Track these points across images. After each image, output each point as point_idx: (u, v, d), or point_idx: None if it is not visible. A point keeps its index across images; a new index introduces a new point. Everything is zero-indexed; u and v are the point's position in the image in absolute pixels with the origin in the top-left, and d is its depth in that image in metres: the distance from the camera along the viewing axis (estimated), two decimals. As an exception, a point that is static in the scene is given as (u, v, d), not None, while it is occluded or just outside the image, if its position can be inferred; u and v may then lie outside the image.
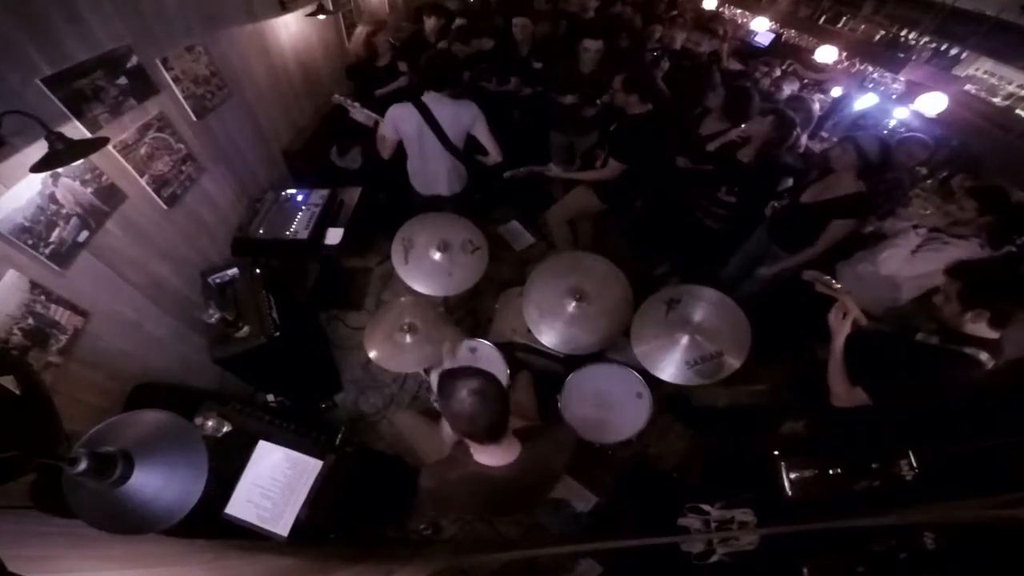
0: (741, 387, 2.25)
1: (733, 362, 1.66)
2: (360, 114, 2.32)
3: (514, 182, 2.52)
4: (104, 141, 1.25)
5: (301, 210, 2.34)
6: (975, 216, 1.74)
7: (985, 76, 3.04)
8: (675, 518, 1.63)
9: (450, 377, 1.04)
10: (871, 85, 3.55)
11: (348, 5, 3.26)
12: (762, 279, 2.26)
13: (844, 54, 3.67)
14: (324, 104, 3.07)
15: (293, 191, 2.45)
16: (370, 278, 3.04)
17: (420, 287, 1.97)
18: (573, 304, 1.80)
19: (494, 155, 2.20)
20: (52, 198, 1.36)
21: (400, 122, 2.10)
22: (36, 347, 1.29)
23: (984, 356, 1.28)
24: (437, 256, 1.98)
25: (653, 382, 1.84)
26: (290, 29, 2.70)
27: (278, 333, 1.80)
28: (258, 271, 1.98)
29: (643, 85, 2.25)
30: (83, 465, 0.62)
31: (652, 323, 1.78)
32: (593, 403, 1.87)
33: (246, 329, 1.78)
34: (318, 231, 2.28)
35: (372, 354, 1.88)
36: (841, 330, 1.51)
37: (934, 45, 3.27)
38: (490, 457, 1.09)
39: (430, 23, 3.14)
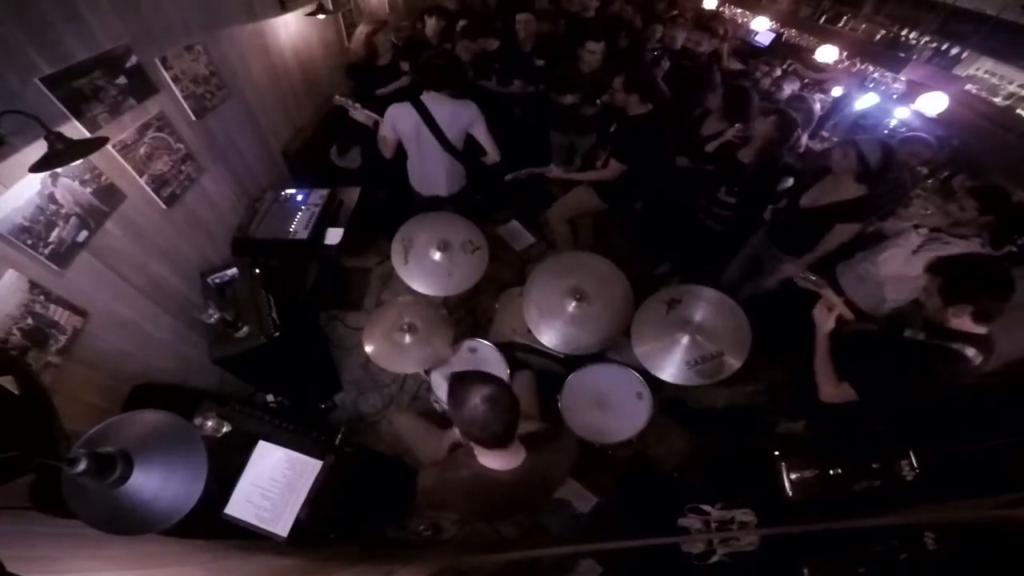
0: (740, 387, 2.25)
1: (733, 362, 1.66)
2: (360, 114, 2.32)
3: (514, 183, 2.52)
4: (103, 141, 1.25)
5: (301, 210, 2.34)
6: (976, 216, 1.74)
7: (986, 76, 3.03)
8: (675, 518, 1.63)
9: (461, 382, 1.03)
10: (872, 85, 3.55)
11: (348, 5, 3.25)
12: (765, 286, 2.25)
13: (845, 54, 3.66)
14: (324, 104, 3.07)
15: (293, 191, 2.45)
16: (370, 278, 3.04)
17: (420, 287, 1.97)
18: (573, 304, 1.80)
19: (492, 155, 2.20)
20: (51, 198, 1.36)
21: (398, 121, 2.10)
22: (35, 347, 1.29)
23: (971, 352, 1.27)
24: (437, 256, 1.98)
25: (652, 383, 1.84)
26: (290, 29, 2.70)
27: (278, 333, 1.80)
28: (257, 271, 1.98)
29: (643, 85, 2.25)
30: (82, 465, 0.62)
31: (652, 323, 1.77)
32: (593, 403, 1.87)
33: (245, 329, 1.78)
34: (318, 231, 2.27)
35: (371, 354, 1.88)
36: (826, 325, 1.51)
37: (935, 45, 3.27)
38: (495, 461, 1.09)
39: (431, 24, 3.14)
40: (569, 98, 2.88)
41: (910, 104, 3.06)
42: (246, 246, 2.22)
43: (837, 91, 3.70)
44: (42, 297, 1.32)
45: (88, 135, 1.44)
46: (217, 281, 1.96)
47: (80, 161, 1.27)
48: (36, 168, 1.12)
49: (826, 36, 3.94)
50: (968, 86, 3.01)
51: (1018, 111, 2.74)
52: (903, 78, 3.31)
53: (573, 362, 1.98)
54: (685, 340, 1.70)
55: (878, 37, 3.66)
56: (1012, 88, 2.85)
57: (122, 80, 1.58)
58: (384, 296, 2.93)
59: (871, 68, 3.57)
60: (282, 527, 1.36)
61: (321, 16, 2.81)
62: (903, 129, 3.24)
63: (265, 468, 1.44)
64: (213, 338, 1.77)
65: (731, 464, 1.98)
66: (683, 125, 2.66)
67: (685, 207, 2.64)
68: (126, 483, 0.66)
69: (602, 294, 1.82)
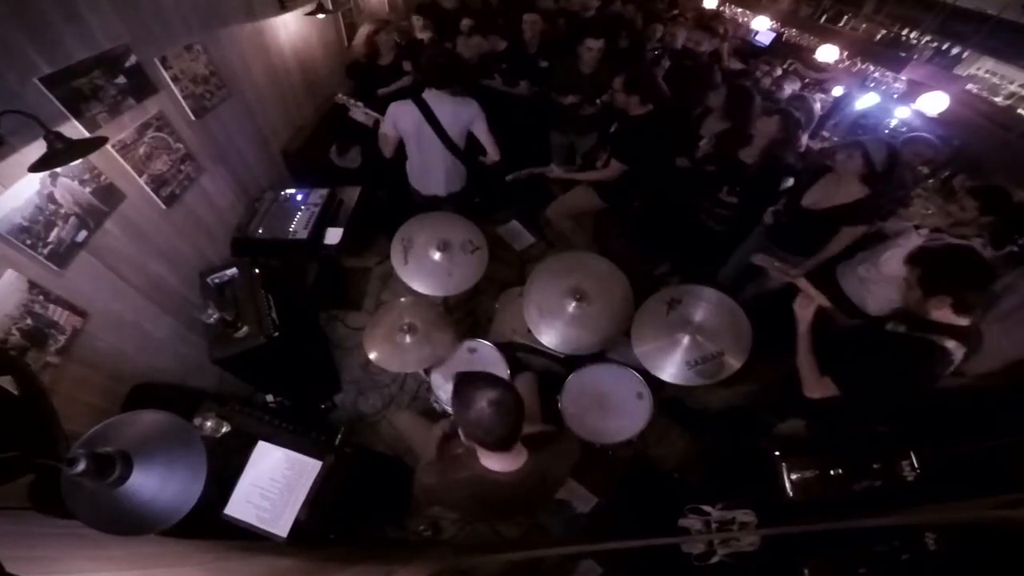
0: (738, 387, 2.24)
1: (734, 362, 1.66)
2: (360, 113, 2.31)
3: (515, 183, 2.52)
4: (103, 141, 1.25)
5: (300, 210, 2.33)
6: (976, 216, 1.73)
7: (987, 75, 3.04)
8: (676, 519, 1.63)
9: (468, 384, 1.02)
10: (872, 84, 3.55)
11: (347, 4, 3.25)
12: (769, 286, 2.25)
13: (845, 53, 3.66)
14: (323, 103, 3.06)
15: (292, 191, 2.44)
16: (369, 278, 3.03)
17: (420, 287, 1.97)
18: (573, 304, 1.80)
19: (492, 154, 2.20)
20: (51, 198, 1.36)
21: (399, 119, 2.09)
22: (34, 347, 1.29)
23: (951, 344, 1.26)
24: (437, 256, 1.97)
25: (653, 383, 1.84)
26: (289, 28, 2.69)
27: (277, 333, 1.80)
28: (257, 271, 1.98)
29: (644, 86, 2.24)
30: (82, 466, 0.61)
31: (652, 323, 1.77)
32: (593, 403, 1.86)
33: (245, 329, 1.77)
34: (317, 231, 2.27)
35: (372, 354, 1.88)
36: (806, 317, 1.51)
37: (935, 44, 3.27)
38: (497, 463, 1.09)
39: (418, 24, 3.11)
40: (570, 98, 2.88)
41: (911, 104, 3.07)
42: (246, 246, 2.21)
43: (838, 91, 3.70)
44: (41, 297, 1.32)
45: (87, 135, 1.44)
46: (217, 281, 1.96)
47: (79, 161, 1.27)
48: (35, 168, 1.12)
49: (827, 36, 3.94)
50: (969, 86, 3.02)
51: (1019, 111, 2.75)
52: (904, 78, 3.32)
53: (573, 362, 1.97)
54: (685, 340, 1.69)
55: (879, 37, 3.67)
56: (1013, 88, 2.86)
57: (121, 80, 1.58)
58: (384, 296, 2.93)
59: (872, 68, 3.58)
60: (282, 527, 1.36)
61: (321, 16, 2.81)
62: (903, 129, 3.25)
63: (265, 468, 1.44)
64: (213, 338, 1.77)
65: (731, 464, 1.98)
66: (684, 125, 2.66)
67: (686, 207, 2.63)
68: (125, 483, 0.66)
69: (602, 294, 1.82)
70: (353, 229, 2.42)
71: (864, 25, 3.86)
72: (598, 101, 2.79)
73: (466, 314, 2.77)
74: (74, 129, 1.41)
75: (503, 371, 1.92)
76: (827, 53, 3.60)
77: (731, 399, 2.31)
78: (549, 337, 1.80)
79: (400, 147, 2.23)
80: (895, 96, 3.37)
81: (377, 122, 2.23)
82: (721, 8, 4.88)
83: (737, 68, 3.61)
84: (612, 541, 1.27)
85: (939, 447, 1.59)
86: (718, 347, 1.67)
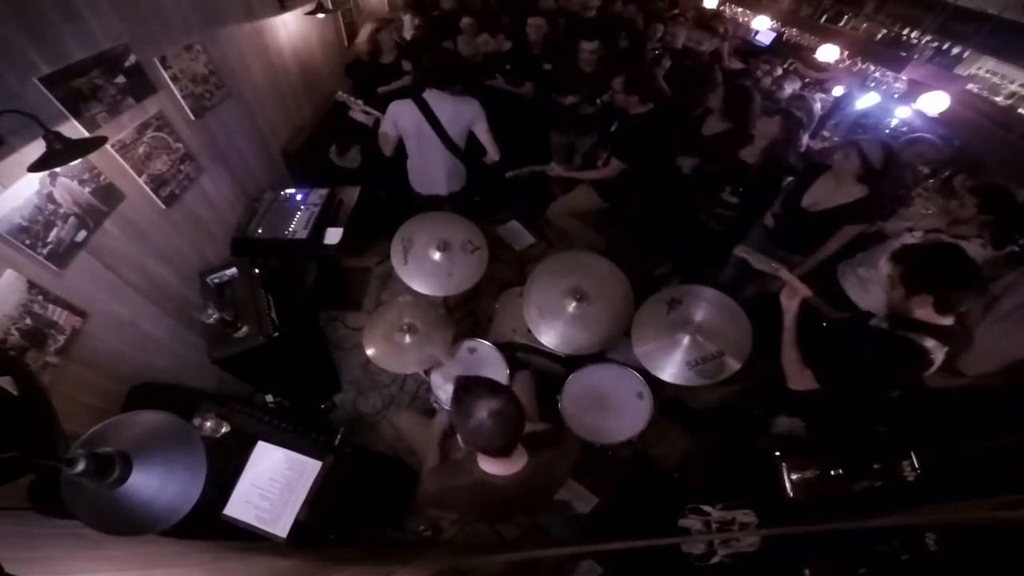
0: (734, 384, 2.24)
1: (734, 362, 1.66)
2: (360, 112, 2.31)
3: (514, 182, 2.51)
4: (102, 140, 1.25)
5: (300, 210, 2.33)
6: (975, 213, 1.73)
7: (987, 75, 3.03)
8: (676, 519, 1.63)
9: (468, 393, 1.01)
10: (873, 84, 3.55)
11: (347, 3, 3.24)
12: (765, 285, 2.25)
13: (846, 53, 3.66)
14: (323, 103, 3.06)
15: (292, 190, 2.44)
16: (369, 278, 3.03)
17: (420, 287, 1.97)
18: (573, 304, 1.80)
19: (492, 154, 2.20)
20: (50, 198, 1.36)
21: (399, 118, 2.09)
22: (34, 347, 1.29)
23: (930, 343, 1.25)
24: (437, 256, 1.97)
25: (653, 383, 1.84)
26: (289, 28, 2.69)
27: (277, 333, 1.80)
28: (257, 271, 1.98)
29: (643, 86, 2.24)
30: (81, 466, 0.61)
31: (653, 323, 1.77)
32: (593, 403, 1.86)
33: (245, 329, 1.77)
34: (317, 231, 2.27)
35: (371, 354, 1.87)
36: (792, 307, 1.50)
37: (936, 44, 3.27)
38: (497, 467, 1.09)
39: (410, 23, 3.10)
40: (570, 98, 2.87)
41: (911, 103, 3.06)
42: (245, 246, 2.21)
43: (838, 90, 3.70)
44: (40, 297, 1.32)
45: (87, 135, 1.44)
46: (216, 281, 1.96)
47: (79, 161, 1.27)
48: (35, 168, 1.12)
49: (827, 35, 3.94)
50: (969, 85, 3.01)
51: (1020, 110, 2.74)
52: (904, 77, 3.32)
53: (573, 362, 1.97)
54: (686, 340, 1.69)
55: (879, 36, 3.66)
56: (1014, 87, 2.85)
57: (121, 79, 1.57)
58: (384, 296, 2.92)
59: (872, 67, 3.57)
60: (281, 528, 1.36)
61: (320, 15, 2.81)
62: (904, 129, 3.24)
63: (264, 468, 1.43)
64: (212, 338, 1.77)
65: (732, 464, 1.97)
66: (684, 124, 2.66)
67: (686, 207, 2.63)
68: (125, 484, 0.66)
69: (602, 294, 1.82)
70: (353, 229, 2.42)
71: (864, 25, 3.86)
72: (598, 101, 2.79)
73: (466, 314, 2.76)
74: (73, 129, 1.41)
75: (503, 371, 1.92)
76: (827, 53, 3.59)
77: (726, 396, 2.31)
78: (549, 337, 1.80)
79: (400, 146, 2.23)
80: (896, 96, 3.36)
81: (377, 121, 2.23)
82: (721, 8, 4.87)
83: (737, 68, 3.61)
84: (612, 541, 1.27)
85: (939, 447, 1.59)
86: (718, 347, 1.67)
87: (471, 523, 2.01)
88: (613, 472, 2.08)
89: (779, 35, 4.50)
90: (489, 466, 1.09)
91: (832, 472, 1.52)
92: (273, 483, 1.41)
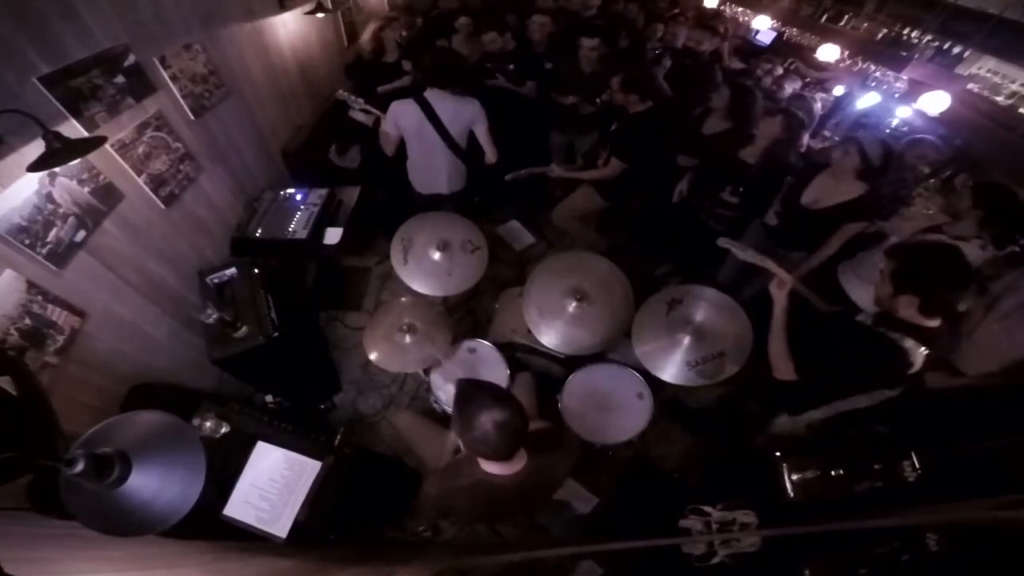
0: (736, 385, 2.24)
1: (734, 362, 1.65)
2: (360, 112, 2.30)
3: (515, 182, 2.51)
4: (102, 140, 1.24)
5: (300, 209, 2.33)
6: (969, 206, 1.71)
7: (988, 75, 3.03)
8: (676, 519, 1.63)
9: (469, 403, 1.01)
10: (873, 84, 3.54)
11: (347, 3, 3.24)
12: (765, 285, 2.24)
13: (846, 52, 3.66)
14: (323, 103, 3.06)
15: (292, 190, 2.44)
16: (369, 278, 3.03)
17: (419, 287, 1.97)
18: (573, 304, 1.79)
19: (490, 156, 2.20)
20: (49, 198, 1.35)
21: (400, 118, 2.09)
22: (33, 348, 1.29)
23: (909, 344, 1.23)
24: (437, 256, 1.97)
25: (653, 384, 1.84)
26: (288, 27, 2.69)
27: (277, 333, 1.79)
28: (256, 271, 1.97)
29: (642, 85, 2.24)
30: (80, 466, 0.61)
31: (653, 323, 1.77)
32: (594, 404, 1.86)
33: (244, 329, 1.77)
34: (317, 231, 2.27)
35: (371, 354, 1.87)
36: (781, 298, 1.50)
37: (937, 43, 3.26)
38: (498, 468, 1.09)
39: (404, 21, 3.07)
40: (570, 98, 2.87)
41: (912, 103, 3.06)
42: (245, 246, 2.21)
43: (839, 90, 3.70)
44: (40, 297, 1.32)
45: (86, 134, 1.44)
46: (216, 281, 1.96)
47: (78, 160, 1.27)
48: (34, 167, 1.11)
49: (827, 35, 3.93)
50: (970, 85, 3.01)
51: (1021, 110, 2.74)
52: (905, 77, 3.31)
53: (573, 362, 1.97)
54: (686, 340, 1.69)
55: (880, 36, 3.66)
56: (1015, 87, 2.85)
57: (120, 79, 1.57)
58: (384, 296, 2.92)
59: (873, 67, 3.57)
60: (281, 528, 1.35)
61: (320, 15, 2.81)
62: (904, 128, 3.24)
63: (264, 469, 1.43)
64: (212, 338, 1.76)
65: (732, 465, 1.97)
66: (685, 124, 2.65)
67: (687, 207, 2.63)
68: (124, 484, 0.66)
69: (602, 294, 1.82)
70: (353, 229, 2.42)
71: (865, 24, 3.85)
72: (598, 100, 2.78)
73: (466, 314, 2.76)
74: (73, 129, 1.41)
75: (503, 371, 1.92)
76: (828, 52, 3.59)
77: (725, 393, 2.30)
78: (549, 337, 1.79)
79: (401, 146, 2.23)
80: (896, 95, 3.36)
81: (378, 121, 2.23)
82: (722, 7, 4.86)
83: (738, 67, 3.61)
84: (612, 541, 1.26)
85: (940, 447, 1.59)
86: (718, 347, 1.67)
87: (471, 523, 2.01)
88: (613, 472, 2.08)
89: (779, 35, 4.49)
90: (490, 467, 1.10)
91: (833, 472, 1.52)
92: (273, 483, 1.41)
